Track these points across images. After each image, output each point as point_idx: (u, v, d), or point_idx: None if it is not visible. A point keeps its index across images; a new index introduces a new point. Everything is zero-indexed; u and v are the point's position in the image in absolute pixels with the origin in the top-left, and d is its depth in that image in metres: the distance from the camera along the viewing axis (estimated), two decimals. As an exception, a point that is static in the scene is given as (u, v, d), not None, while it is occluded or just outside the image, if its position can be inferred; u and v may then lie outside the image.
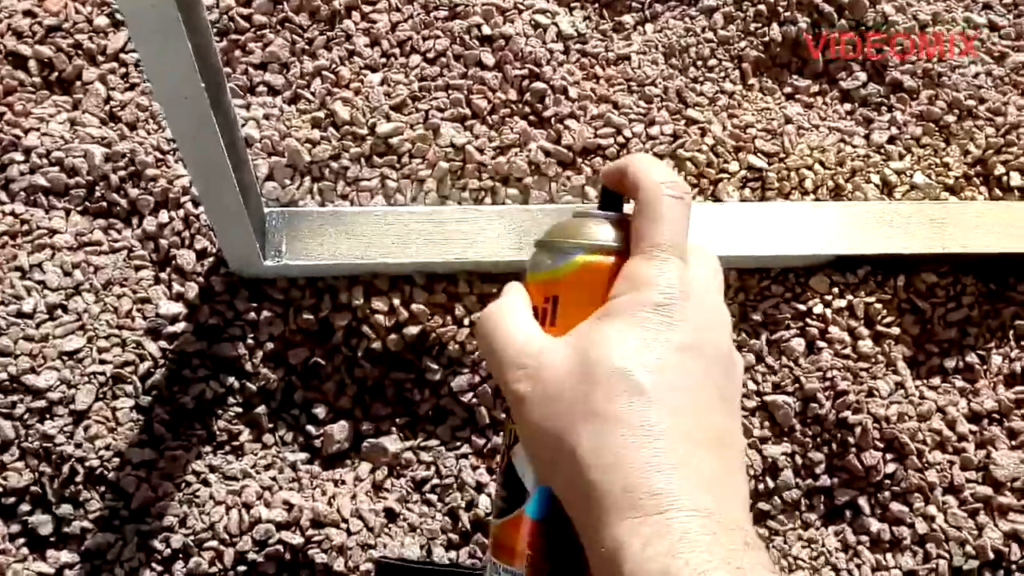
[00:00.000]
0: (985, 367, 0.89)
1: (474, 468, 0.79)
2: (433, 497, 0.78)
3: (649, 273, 0.38)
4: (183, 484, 0.73)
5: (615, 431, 0.36)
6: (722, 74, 0.92)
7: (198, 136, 0.56)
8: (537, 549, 0.40)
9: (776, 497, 0.82)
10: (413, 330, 0.78)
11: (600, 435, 0.36)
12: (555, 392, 0.38)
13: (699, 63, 0.92)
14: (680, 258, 0.39)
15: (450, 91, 0.84)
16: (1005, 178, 0.92)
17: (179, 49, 0.47)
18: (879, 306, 0.86)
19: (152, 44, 0.48)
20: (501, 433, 0.79)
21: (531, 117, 0.86)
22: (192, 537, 0.72)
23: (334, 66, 0.84)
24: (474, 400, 0.80)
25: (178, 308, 0.76)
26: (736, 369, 0.41)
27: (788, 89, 0.95)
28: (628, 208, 0.41)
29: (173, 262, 0.78)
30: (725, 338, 0.41)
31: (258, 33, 0.85)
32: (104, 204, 0.80)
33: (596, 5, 0.94)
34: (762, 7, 0.94)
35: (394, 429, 0.80)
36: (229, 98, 0.58)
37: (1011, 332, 0.90)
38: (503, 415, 0.75)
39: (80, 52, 0.85)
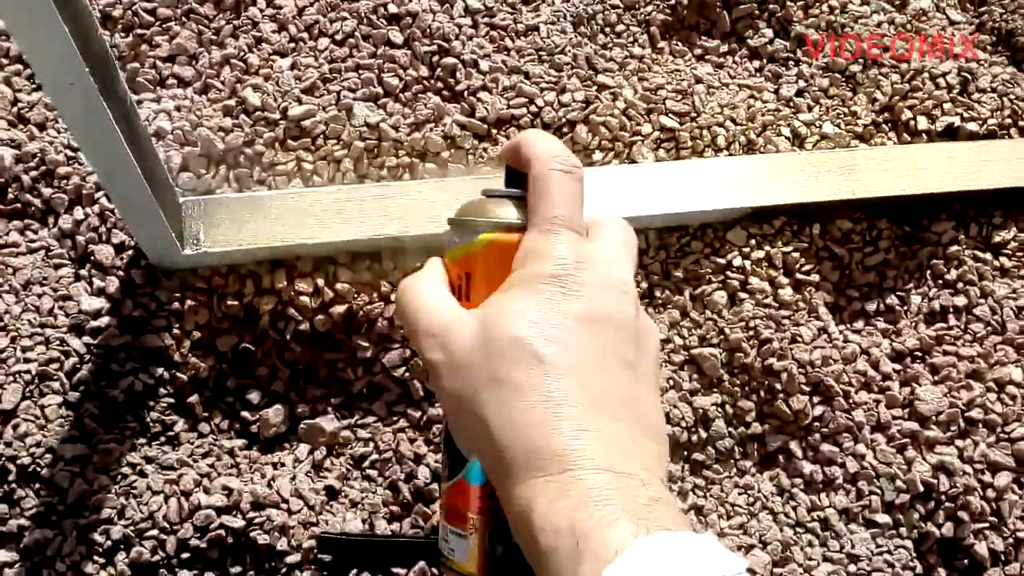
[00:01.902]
0: (905, 307, 0.96)
1: (411, 441, 0.84)
2: (373, 472, 0.83)
3: (544, 246, 0.42)
4: (119, 476, 0.77)
5: (517, 397, 0.39)
6: (630, 39, 0.98)
7: (91, 125, 0.60)
8: (479, 511, 0.44)
9: (710, 447, 0.88)
10: (340, 309, 0.83)
11: (504, 401, 0.39)
12: (462, 360, 0.41)
13: (607, 30, 0.98)
14: (573, 230, 0.43)
15: (360, 71, 0.89)
16: (912, 123, 1.00)
17: (55, 34, 0.51)
18: (797, 255, 0.93)
19: (25, 30, 0.51)
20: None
21: (444, 92, 0.91)
22: (132, 528, 0.76)
23: (242, 54, 0.89)
24: (407, 374, 0.85)
25: (100, 303, 0.80)
26: (646, 337, 0.44)
27: (698, 51, 1.02)
28: None
29: (92, 258, 0.82)
30: (628, 306, 0.43)
31: (163, 26, 0.89)
32: (18, 205, 0.84)
33: (504, -21, 1.00)
34: (666, -29, 1.00)
35: (330, 409, 0.85)
36: (124, 87, 0.62)
37: (928, 272, 0.97)
38: None
39: (-17, 56, 0.89)
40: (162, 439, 0.81)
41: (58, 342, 0.79)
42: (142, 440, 0.80)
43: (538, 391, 0.39)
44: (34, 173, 0.83)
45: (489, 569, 0.45)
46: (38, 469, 0.75)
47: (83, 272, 0.82)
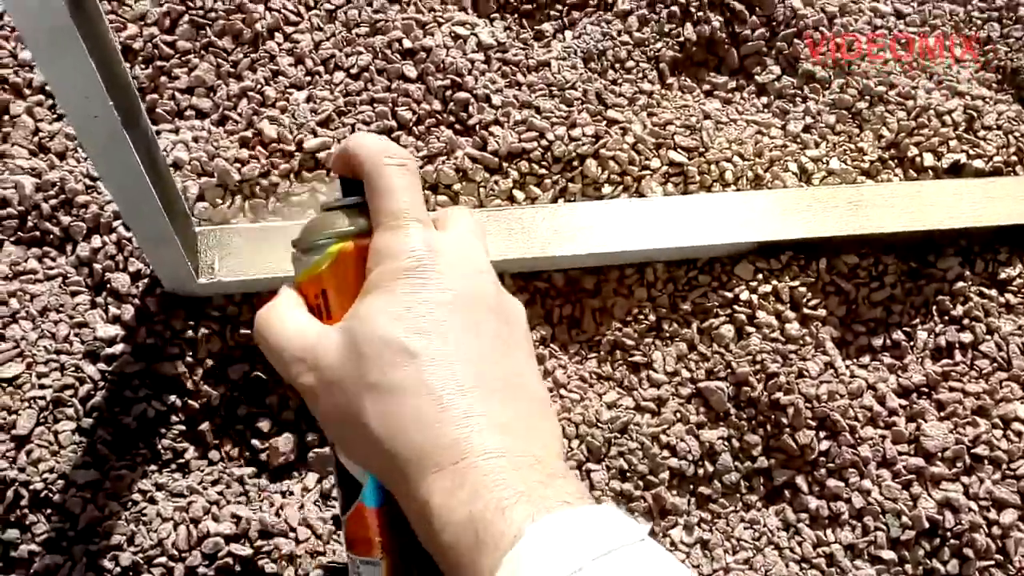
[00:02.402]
0: (912, 343, 0.97)
1: (419, 471, 0.85)
2: (380, 502, 0.84)
3: (394, 242, 0.41)
4: (129, 503, 0.78)
5: (396, 398, 0.38)
6: (640, 75, 1.00)
7: (113, 156, 0.62)
8: (383, 533, 0.42)
9: (716, 481, 0.88)
10: (350, 339, 0.84)
11: (384, 405, 0.38)
12: (335, 376, 0.40)
13: (617, 65, 1.00)
14: (418, 221, 0.42)
15: (375, 104, 0.91)
16: (918, 159, 1.01)
17: (81, 66, 0.53)
18: (803, 289, 0.94)
19: (51, 62, 0.53)
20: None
21: (456, 126, 0.93)
22: (141, 554, 0.77)
23: (259, 86, 0.91)
24: (415, 404, 0.85)
25: (115, 330, 0.82)
26: (512, 312, 0.44)
27: (706, 86, 1.03)
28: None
29: (108, 285, 0.83)
30: (488, 286, 0.43)
31: (183, 58, 0.91)
32: (37, 233, 0.85)
33: (516, 15, 1.02)
34: (675, 8, 1.02)
35: (338, 438, 0.86)
36: (146, 119, 0.64)
37: (934, 308, 0.98)
38: None
39: (6, 86, 0.91)
40: (173, 466, 0.82)
41: (73, 368, 0.80)
42: (153, 467, 0.81)
43: (417, 387, 0.38)
44: (53, 201, 0.85)
45: None
46: (50, 495, 0.76)
47: (99, 299, 0.83)
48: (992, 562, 0.88)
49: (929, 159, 1.02)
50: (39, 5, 0.50)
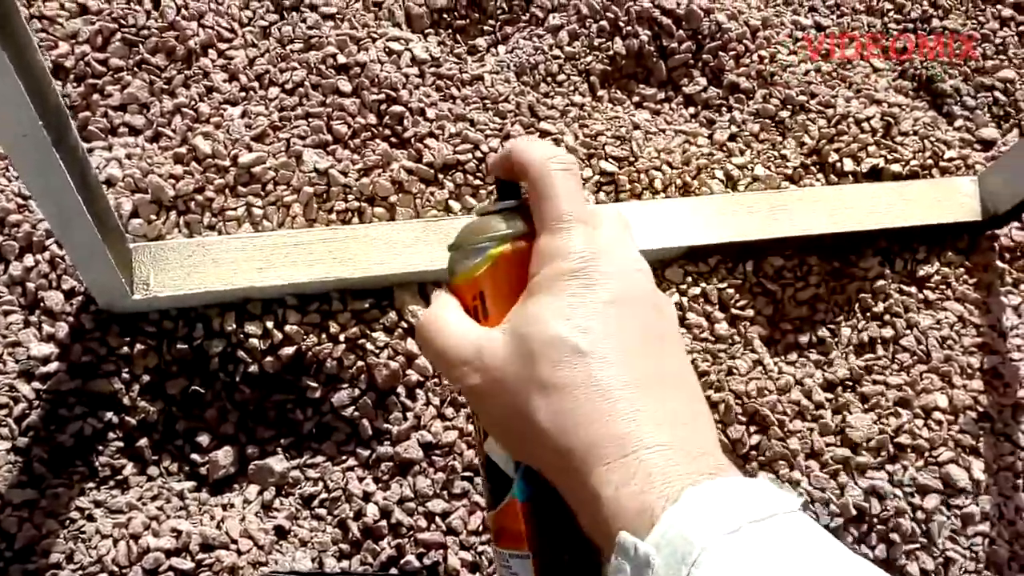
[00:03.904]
0: (836, 339, 1.01)
1: (360, 479, 0.86)
2: (322, 511, 0.85)
3: (558, 244, 0.43)
4: (67, 521, 0.78)
5: (566, 395, 0.40)
6: (571, 88, 1.03)
7: (44, 174, 0.62)
8: (534, 527, 0.44)
9: (652, 478, 0.91)
10: (289, 351, 0.86)
11: (554, 402, 0.40)
12: (502, 376, 0.42)
13: (549, 79, 1.03)
14: (583, 223, 0.44)
15: (310, 119, 0.93)
16: (839, 164, 1.06)
17: (9, 87, 0.54)
18: (731, 291, 0.98)
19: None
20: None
21: (392, 139, 0.95)
22: (80, 572, 0.77)
23: (193, 103, 0.92)
24: (356, 413, 0.87)
25: (49, 348, 0.82)
26: (666, 308, 0.46)
27: (636, 98, 1.07)
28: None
29: (42, 304, 0.83)
30: (646, 283, 0.45)
31: (115, 76, 0.92)
32: (-33, 253, 0.85)
33: (450, 31, 1.05)
34: (604, 23, 1.06)
35: (279, 450, 0.87)
36: (76, 136, 0.65)
37: (856, 305, 1.03)
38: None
39: (-66, 106, 0.90)
40: (111, 483, 0.82)
41: (7, 388, 0.80)
42: (91, 484, 0.81)
43: (587, 384, 0.39)
44: (-16, 221, 0.85)
45: None
46: (-15, 515, 0.76)
47: (33, 318, 0.83)
48: (917, 545, 0.92)
49: (849, 164, 1.07)
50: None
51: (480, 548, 0.84)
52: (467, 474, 0.87)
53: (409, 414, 0.87)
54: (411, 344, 0.88)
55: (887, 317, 1.02)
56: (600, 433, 0.38)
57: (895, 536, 0.91)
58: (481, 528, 0.85)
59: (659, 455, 0.37)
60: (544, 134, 0.99)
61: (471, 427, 0.87)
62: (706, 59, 1.09)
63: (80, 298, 0.83)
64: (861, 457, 0.95)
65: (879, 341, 1.01)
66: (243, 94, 0.94)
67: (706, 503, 0.35)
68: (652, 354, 0.41)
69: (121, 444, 0.83)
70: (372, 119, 0.95)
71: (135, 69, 0.93)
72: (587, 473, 0.38)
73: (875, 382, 0.99)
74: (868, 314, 1.02)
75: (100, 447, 0.82)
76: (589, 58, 1.06)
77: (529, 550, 0.44)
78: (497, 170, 0.48)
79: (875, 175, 1.07)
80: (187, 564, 0.79)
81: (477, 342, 0.43)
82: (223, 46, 0.96)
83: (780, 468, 0.93)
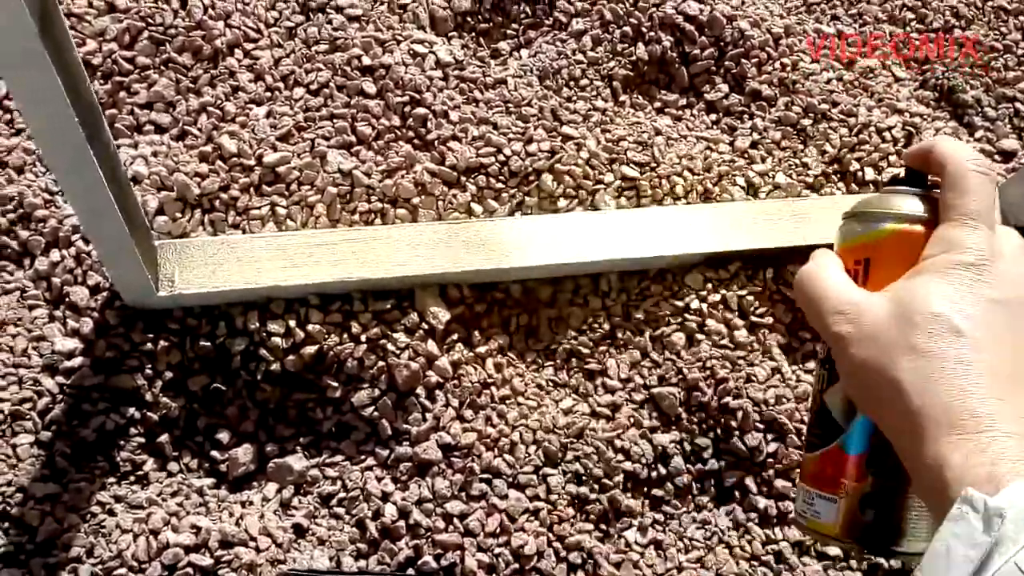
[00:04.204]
0: (855, 349, 1.01)
1: (379, 479, 0.87)
2: (340, 510, 0.86)
3: (960, 237, 0.46)
4: (88, 515, 0.79)
5: (934, 364, 0.43)
6: (594, 92, 1.04)
7: (76, 170, 0.63)
8: (856, 478, 0.48)
9: (669, 483, 0.92)
10: (310, 350, 0.86)
11: (921, 368, 0.43)
12: (875, 332, 0.45)
13: (571, 83, 1.03)
14: (988, 226, 0.47)
15: (334, 120, 0.94)
16: (860, 173, 1.07)
17: (49, 85, 0.55)
18: (751, 298, 0.98)
19: (21, 81, 0.55)
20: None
21: (415, 141, 0.95)
22: (100, 566, 0.77)
23: (219, 102, 0.93)
24: (375, 414, 0.88)
25: (74, 343, 0.83)
26: None
27: (658, 104, 1.08)
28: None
29: (67, 299, 0.84)
30: None
31: (142, 74, 0.93)
32: (-6, 247, 0.86)
33: (473, 34, 1.06)
34: (627, 29, 1.06)
35: (299, 448, 0.87)
36: (108, 133, 0.66)
37: (876, 315, 1.03)
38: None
39: (-38, 101, 0.92)
40: (132, 478, 0.83)
41: (31, 382, 0.81)
42: (112, 479, 0.82)
43: (955, 359, 0.42)
44: (11, 216, 0.86)
45: (854, 530, 0.49)
46: (8, 508, 0.77)
47: (58, 313, 0.84)
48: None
49: (870, 173, 1.07)
50: (9, 27, 0.52)
51: (497, 550, 0.85)
52: (485, 476, 0.87)
53: (428, 415, 0.88)
54: (431, 346, 0.89)
55: (906, 327, 1.02)
56: (959, 404, 0.41)
57: None
58: (499, 530, 0.85)
59: (1014, 441, 0.40)
60: (567, 138, 0.99)
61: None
62: (728, 66, 1.10)
63: (105, 294, 0.84)
64: (878, 467, 0.95)
65: (898, 351, 1.01)
66: (268, 94, 0.95)
67: None
68: (1019, 356, 0.44)
69: (142, 440, 0.84)
70: (396, 121, 0.96)
71: (162, 67, 0.94)
72: (935, 438, 0.41)
73: (894, 392, 0.99)
74: (887, 324, 1.02)
75: (122, 442, 0.83)
76: (612, 63, 1.06)
77: (841, 495, 0.48)
78: (912, 159, 0.51)
79: (896, 185, 1.07)
80: (206, 560, 0.79)
81: (856, 298, 0.46)
82: (249, 46, 0.96)
83: (797, 476, 0.93)
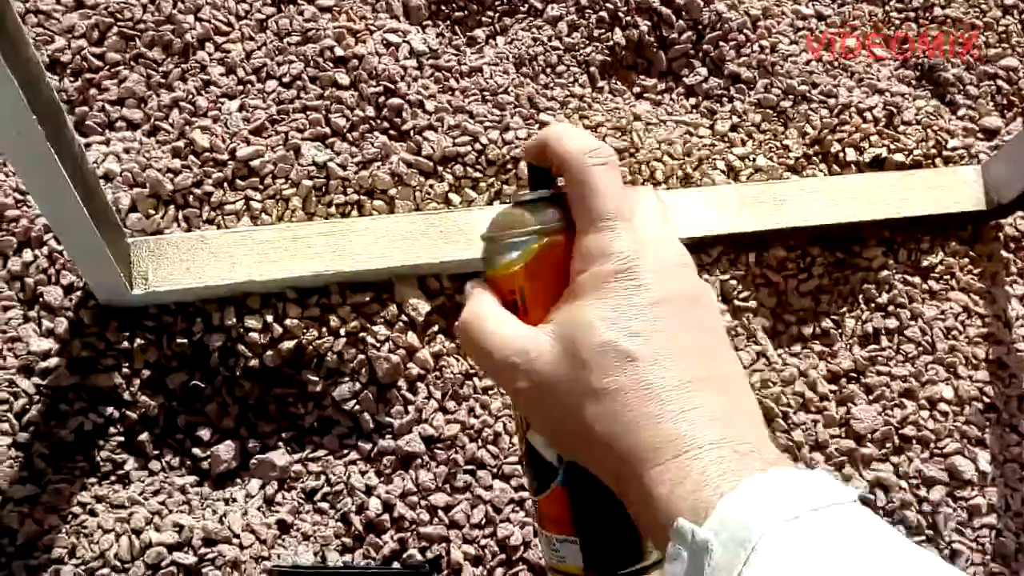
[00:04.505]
0: (840, 330, 1.02)
1: (363, 473, 0.87)
2: (324, 505, 0.86)
3: (601, 244, 0.42)
4: (69, 516, 0.79)
5: (618, 401, 0.40)
6: (571, 79, 1.03)
7: (40, 170, 0.63)
8: (581, 515, 0.45)
9: (655, 470, 0.91)
10: (289, 344, 0.86)
11: (605, 407, 0.40)
12: (551, 381, 0.42)
13: (548, 70, 1.03)
14: (623, 220, 0.43)
15: (308, 112, 0.93)
16: (841, 155, 1.06)
17: (3, 86, 0.55)
18: (734, 282, 0.98)
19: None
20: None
21: (390, 131, 0.95)
22: (83, 567, 0.77)
23: (191, 96, 0.92)
24: (357, 407, 0.87)
25: (49, 344, 0.82)
26: (707, 296, 0.46)
27: (636, 89, 1.07)
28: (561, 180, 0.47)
29: (41, 299, 0.84)
30: (690, 276, 0.45)
31: (112, 70, 0.92)
32: (-34, 249, 0.85)
33: (448, 22, 1.05)
34: (603, 14, 1.06)
35: (281, 444, 0.87)
36: (71, 131, 0.65)
37: (860, 296, 1.03)
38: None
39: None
40: (112, 478, 0.83)
41: (7, 383, 0.80)
42: (92, 479, 0.82)
43: (637, 387, 0.40)
44: (-18, 216, 0.86)
45: (600, 565, 0.46)
46: (-14, 511, 0.77)
47: (32, 313, 0.84)
48: (923, 537, 0.93)
49: (851, 154, 1.07)
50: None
51: (483, 542, 0.85)
52: (469, 467, 0.87)
53: (411, 407, 0.88)
54: (412, 337, 0.89)
55: (891, 308, 1.02)
56: (652, 436, 0.39)
57: (901, 528, 0.91)
58: (484, 521, 0.85)
59: (713, 452, 0.38)
60: (544, 125, 0.99)
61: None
62: (706, 49, 1.09)
63: (79, 293, 0.84)
64: (866, 449, 0.95)
65: (883, 332, 1.01)
66: (241, 87, 0.94)
67: (764, 492, 0.36)
68: (700, 352, 0.42)
69: (122, 439, 0.83)
70: (371, 112, 0.95)
71: (132, 63, 0.93)
72: (640, 475, 0.39)
73: (879, 373, 0.99)
74: (872, 305, 1.03)
75: (101, 442, 0.83)
76: (589, 49, 1.06)
77: (576, 536, 0.45)
78: (531, 156, 0.47)
79: (878, 165, 1.07)
80: (190, 559, 0.79)
81: (524, 344, 0.43)
82: (220, 39, 0.96)
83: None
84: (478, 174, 0.96)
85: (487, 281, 0.47)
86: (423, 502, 0.85)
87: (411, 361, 0.88)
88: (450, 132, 0.96)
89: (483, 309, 0.46)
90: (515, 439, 0.86)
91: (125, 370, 0.83)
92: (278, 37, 0.97)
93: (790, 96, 1.08)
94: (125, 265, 0.80)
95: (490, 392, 0.90)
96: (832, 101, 1.09)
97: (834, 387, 0.98)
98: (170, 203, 0.88)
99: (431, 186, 0.94)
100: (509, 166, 0.96)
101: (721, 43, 1.09)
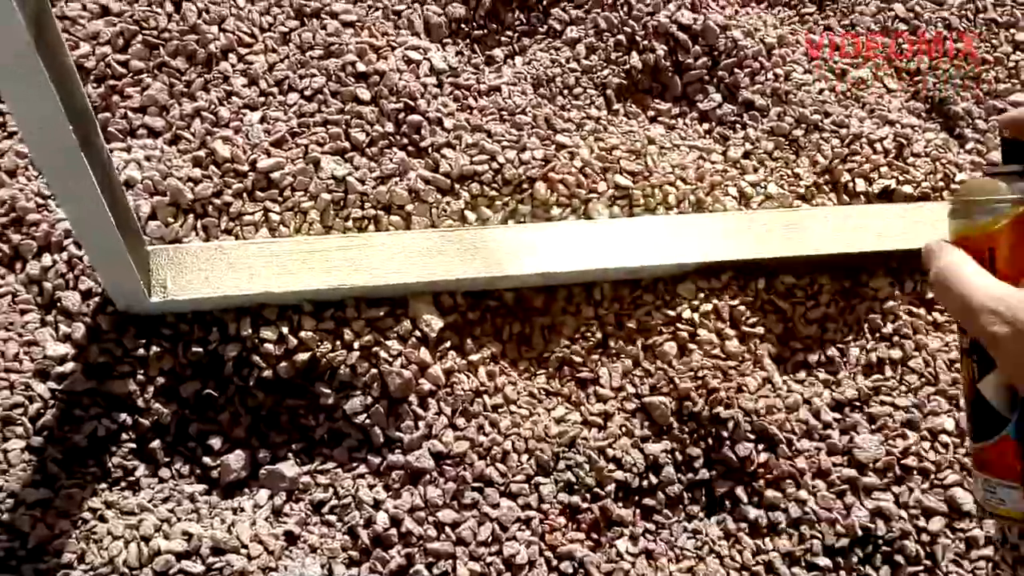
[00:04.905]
0: (845, 359, 1.03)
1: (371, 487, 0.88)
2: (332, 518, 0.87)
3: None
4: (80, 521, 0.80)
5: None
6: (587, 101, 1.05)
7: (69, 176, 0.64)
8: None
9: (660, 492, 0.93)
10: (303, 356, 0.87)
11: None
12: None
13: (565, 91, 1.05)
14: None
15: (328, 126, 0.95)
16: (851, 184, 1.08)
17: (42, 91, 0.56)
18: (743, 308, 0.99)
19: (14, 87, 0.56)
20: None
21: (409, 148, 0.96)
22: (92, 573, 0.78)
23: (213, 107, 0.93)
24: (368, 421, 0.89)
25: (65, 349, 0.83)
26: None
27: (651, 112, 1.09)
28: None
29: (59, 304, 0.85)
30: None
31: (135, 78, 0.93)
32: (-15, 251, 0.87)
33: (468, 40, 1.07)
34: (621, 37, 1.08)
35: (290, 455, 0.88)
36: (100, 139, 0.67)
37: (866, 326, 1.05)
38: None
39: (-47, 103, 0.92)
40: (123, 484, 0.84)
41: (23, 387, 0.81)
42: (103, 485, 0.83)
43: None
44: (3, 219, 0.87)
45: None
46: (-1, 514, 0.77)
47: (49, 318, 0.85)
48: (921, 567, 0.94)
49: (861, 184, 1.09)
50: (2, 32, 0.52)
51: (489, 559, 0.86)
52: (477, 485, 0.88)
53: (421, 423, 0.89)
54: (424, 353, 0.90)
55: (896, 338, 1.04)
56: None
57: (900, 558, 0.92)
58: (491, 539, 0.86)
59: None
60: (560, 146, 1.00)
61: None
62: (721, 75, 1.11)
63: (97, 299, 0.85)
64: (867, 478, 0.96)
65: (887, 362, 1.03)
66: (262, 99, 0.96)
67: None
68: None
69: (134, 445, 0.84)
70: (390, 127, 0.97)
71: (155, 71, 0.95)
72: None
73: (883, 403, 1.01)
74: (877, 335, 1.04)
75: (113, 448, 0.84)
76: (606, 71, 1.08)
77: (1020, 483, 0.50)
78: (1010, 128, 0.51)
79: (887, 196, 1.09)
80: (197, 567, 0.80)
81: (1003, 296, 0.48)
82: (243, 51, 0.97)
83: (788, 487, 0.94)
84: (494, 193, 0.97)
85: (956, 242, 0.51)
86: (431, 518, 0.86)
87: (423, 377, 0.90)
88: (468, 150, 0.98)
89: (958, 261, 0.50)
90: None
91: (140, 377, 0.84)
92: (301, 50, 0.98)
93: (802, 125, 1.10)
94: (144, 272, 0.81)
95: (500, 410, 0.92)
96: (843, 131, 1.11)
97: (838, 415, 1.00)
98: (189, 212, 0.89)
99: (447, 203, 0.96)
100: (525, 186, 0.98)
101: (736, 70, 1.11)
